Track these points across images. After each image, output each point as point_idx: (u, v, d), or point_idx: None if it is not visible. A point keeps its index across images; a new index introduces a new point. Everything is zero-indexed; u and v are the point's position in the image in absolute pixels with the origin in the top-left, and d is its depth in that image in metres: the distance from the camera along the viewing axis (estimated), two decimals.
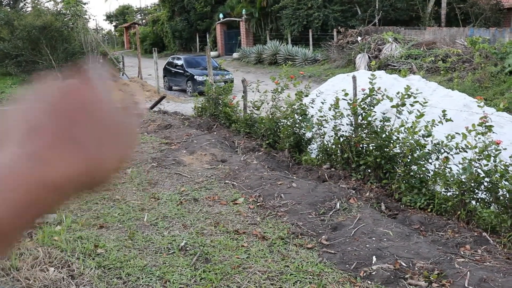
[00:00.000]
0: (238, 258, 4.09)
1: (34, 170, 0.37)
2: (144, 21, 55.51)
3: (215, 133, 8.98)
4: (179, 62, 20.30)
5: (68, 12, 23.18)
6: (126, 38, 54.15)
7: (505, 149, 5.03)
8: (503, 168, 4.76)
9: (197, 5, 35.17)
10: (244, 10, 31.18)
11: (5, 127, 0.40)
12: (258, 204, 5.33)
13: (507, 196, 4.68)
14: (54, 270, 3.70)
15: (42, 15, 22.40)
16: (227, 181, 6.10)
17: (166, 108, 13.45)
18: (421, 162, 5.50)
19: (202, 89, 11.39)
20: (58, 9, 24.28)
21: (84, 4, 27.64)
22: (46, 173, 0.37)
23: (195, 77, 18.30)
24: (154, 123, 10.07)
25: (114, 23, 70.04)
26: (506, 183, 4.67)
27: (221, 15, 33.49)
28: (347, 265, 3.99)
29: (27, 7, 24.41)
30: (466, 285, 3.59)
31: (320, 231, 4.59)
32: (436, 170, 5.37)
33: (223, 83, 10.83)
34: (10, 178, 0.36)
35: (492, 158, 4.87)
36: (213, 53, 29.86)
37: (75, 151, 0.39)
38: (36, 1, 26.10)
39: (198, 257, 4.10)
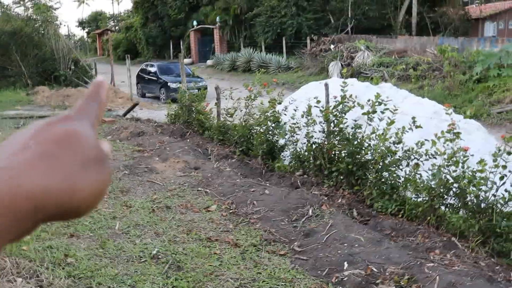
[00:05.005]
0: (210, 265, 4.08)
1: (9, 179, 0.37)
2: (117, 27, 55.09)
3: (188, 140, 8.94)
4: (153, 69, 20.22)
5: (38, 17, 22.78)
6: (99, 44, 53.57)
7: (472, 155, 5.14)
8: (471, 174, 4.86)
9: (171, 11, 35.08)
10: (218, 17, 31.24)
11: (2, 149, 0.42)
12: (231, 211, 5.33)
13: (475, 201, 4.78)
14: (22, 281, 3.62)
15: (11, 20, 21.99)
16: (200, 188, 6.08)
17: (139, 115, 13.35)
18: (392, 169, 5.57)
19: (176, 96, 11.34)
20: (28, 15, 23.85)
21: (55, 9, 27.24)
22: (19, 182, 0.38)
23: (168, 84, 18.23)
24: (127, 130, 9.97)
25: (86, 30, 69.29)
26: (474, 188, 4.77)
27: (195, 22, 33.47)
28: (319, 271, 4.01)
29: None
30: None
31: (292, 238, 4.61)
32: (406, 176, 5.45)
33: (197, 90, 10.80)
34: None
35: (460, 164, 4.97)
36: (187, 60, 29.80)
37: (54, 167, 0.40)
38: (6, 6, 25.61)
39: (170, 265, 4.07)
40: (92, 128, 0.46)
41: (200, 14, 33.42)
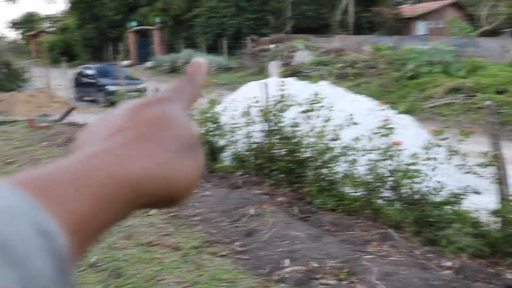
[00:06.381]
0: (151, 270, 4.02)
1: (110, 164, 0.36)
2: (52, 29, 53.19)
3: None
4: (90, 72, 19.69)
5: None
6: (34, 46, 51.54)
7: (406, 149, 5.34)
8: (405, 167, 5.04)
9: (108, 12, 34.30)
10: (157, 18, 30.81)
11: (90, 130, 0.41)
12: (172, 214, 5.27)
13: (409, 193, 4.97)
14: None
15: None
16: None
17: (76, 119, 12.95)
18: (330, 165, 5.69)
19: (114, 99, 11.10)
20: None
21: None
22: (122, 167, 0.36)
23: (106, 87, 17.80)
24: (64, 136, 9.66)
25: (20, 31, 66.48)
26: (408, 181, 4.96)
27: (133, 23, 32.85)
28: (261, 270, 4.04)
29: None
30: (372, 280, 3.76)
31: (234, 238, 4.62)
32: (344, 172, 5.58)
33: (136, 92, 10.61)
34: (87, 173, 0.35)
35: (395, 158, 5.15)
36: (125, 62, 29.26)
37: (153, 152, 0.38)
38: None
39: (110, 272, 3.97)
40: (186, 112, 0.44)
41: (139, 15, 32.86)
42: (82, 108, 16.77)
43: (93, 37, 36.22)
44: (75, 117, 13.39)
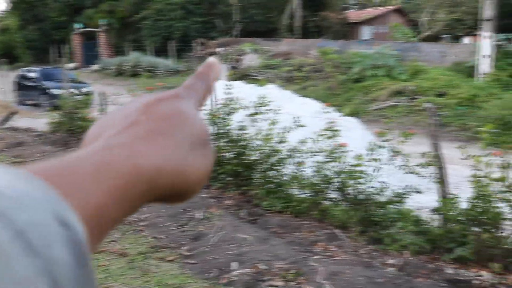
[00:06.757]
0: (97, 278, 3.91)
1: (126, 157, 0.36)
2: None
3: (72, 149, 8.53)
4: (33, 75, 19.06)
5: None
6: None
7: (351, 150, 5.45)
8: (349, 168, 5.15)
9: (51, 14, 33.22)
10: (103, 20, 30.15)
11: (105, 122, 0.41)
12: None
13: (354, 194, 5.08)
14: None
15: None
16: None
17: (18, 124, 12.48)
18: (277, 167, 5.74)
19: (58, 103, 10.77)
20: None
21: None
22: (137, 161, 0.36)
23: (50, 90, 17.26)
24: (3, 141, 9.28)
25: None
26: (352, 182, 5.07)
27: (78, 25, 31.98)
28: (209, 274, 4.02)
29: None
30: (319, 280, 3.81)
31: (181, 243, 4.57)
32: (291, 174, 5.64)
33: (81, 96, 10.34)
34: (104, 165, 0.35)
35: (339, 159, 5.25)
36: (70, 65, 28.48)
37: (166, 146, 0.39)
38: None
39: None
40: (198, 109, 0.45)
41: (84, 16, 32.04)
42: (24, 112, 16.19)
43: (36, 39, 34.97)
44: (17, 121, 12.90)
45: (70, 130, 9.55)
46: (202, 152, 0.42)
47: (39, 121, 13.87)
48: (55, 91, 16.50)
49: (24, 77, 19.53)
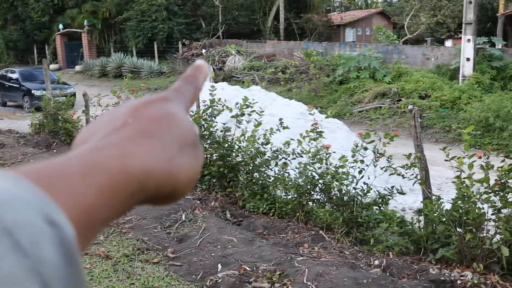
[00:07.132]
0: None
1: (116, 157, 0.36)
2: None
3: (55, 151, 8.44)
4: (14, 76, 18.82)
5: None
6: None
7: (334, 152, 5.48)
8: (334, 170, 5.17)
9: (33, 14, 32.76)
10: (86, 21, 29.85)
11: (94, 125, 0.41)
12: None
13: (338, 195, 5.10)
14: None
15: None
16: None
17: None
18: (262, 169, 5.74)
19: (40, 104, 10.64)
20: None
21: None
22: (127, 161, 0.36)
23: (32, 91, 17.07)
24: None
25: None
26: (337, 183, 5.09)
27: (61, 26, 31.62)
28: (194, 276, 4.00)
29: None
30: (304, 281, 3.82)
31: (166, 245, 4.54)
32: (276, 175, 5.64)
33: (63, 97, 10.23)
34: (94, 165, 0.35)
35: (324, 161, 5.27)
36: (53, 66, 28.15)
37: (155, 147, 0.39)
38: None
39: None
40: (186, 111, 0.45)
41: (66, 17, 31.65)
42: (4, 114, 15.98)
43: (17, 39, 34.45)
44: None
45: (53, 132, 9.44)
46: (191, 154, 0.42)
47: (22, 122, 13.70)
48: (36, 93, 16.31)
49: (4, 78, 19.27)
